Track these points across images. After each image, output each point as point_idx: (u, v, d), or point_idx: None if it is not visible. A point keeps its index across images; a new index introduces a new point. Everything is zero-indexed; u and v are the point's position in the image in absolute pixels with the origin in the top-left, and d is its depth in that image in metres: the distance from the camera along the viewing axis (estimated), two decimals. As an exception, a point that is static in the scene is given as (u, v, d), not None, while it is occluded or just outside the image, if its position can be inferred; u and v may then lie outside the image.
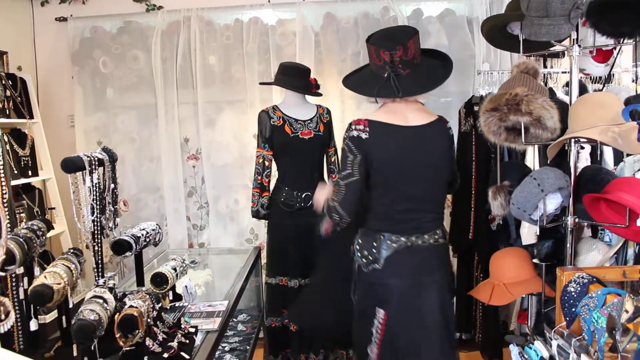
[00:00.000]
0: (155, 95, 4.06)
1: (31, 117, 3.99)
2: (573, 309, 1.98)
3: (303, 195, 3.16)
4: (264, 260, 3.58)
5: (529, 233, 3.16)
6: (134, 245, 2.08)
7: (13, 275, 1.68)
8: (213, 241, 4.08)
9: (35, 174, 3.98)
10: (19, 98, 3.93)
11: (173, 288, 2.22)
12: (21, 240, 1.64)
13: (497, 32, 2.85)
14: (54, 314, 3.37)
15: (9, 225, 1.62)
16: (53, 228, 3.98)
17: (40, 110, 4.09)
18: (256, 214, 3.25)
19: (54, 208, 4.06)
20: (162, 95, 4.04)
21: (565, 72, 3.46)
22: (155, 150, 4.14)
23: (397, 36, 2.18)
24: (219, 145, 4.07)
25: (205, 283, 2.69)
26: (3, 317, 1.27)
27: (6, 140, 3.70)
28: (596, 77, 3.36)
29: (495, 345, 3.53)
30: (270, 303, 3.29)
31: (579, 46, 2.49)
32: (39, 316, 1.96)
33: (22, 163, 3.86)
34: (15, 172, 3.76)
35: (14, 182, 3.67)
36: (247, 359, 2.56)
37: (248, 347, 2.68)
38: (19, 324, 1.71)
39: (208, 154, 4.06)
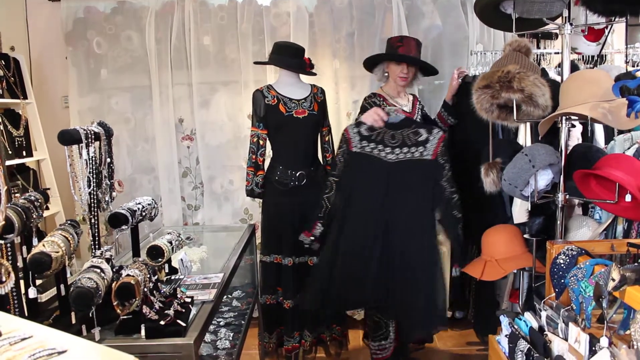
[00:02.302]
0: (150, 77, 4.04)
1: (25, 97, 3.98)
2: (562, 280, 2.02)
3: (297, 174, 3.19)
4: (258, 240, 3.60)
5: (520, 211, 3.20)
6: (130, 218, 2.10)
7: (9, 245, 1.70)
8: (208, 221, 4.09)
9: (30, 154, 3.97)
10: (12, 78, 3.91)
11: (169, 262, 2.24)
12: (19, 209, 1.66)
13: (490, 11, 2.86)
14: (49, 293, 3.39)
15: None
16: (49, 202, 4.01)
17: (33, 91, 4.07)
18: (250, 193, 3.27)
19: (48, 189, 4.03)
20: (156, 77, 4.02)
21: (557, 53, 3.48)
22: (149, 131, 4.13)
23: None
24: (214, 125, 4.07)
25: (201, 260, 2.71)
26: (4, 278, 1.29)
27: (0, 120, 3.70)
28: (588, 58, 3.39)
29: (487, 324, 3.57)
30: (265, 281, 3.32)
31: (571, 24, 2.51)
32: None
33: (17, 143, 3.86)
34: (10, 152, 3.76)
35: (8, 163, 3.68)
36: (241, 333, 2.59)
37: (243, 322, 2.71)
38: (14, 292, 1.73)
39: (202, 134, 4.06)
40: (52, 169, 4.05)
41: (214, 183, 4.11)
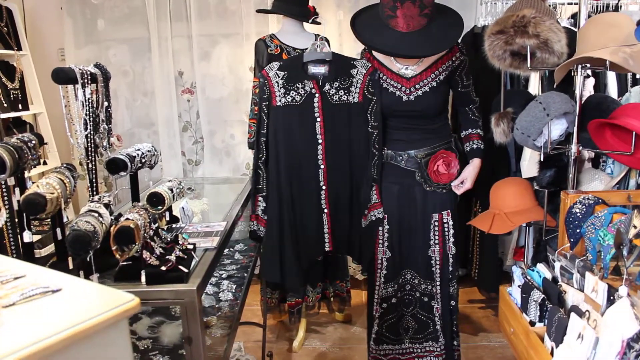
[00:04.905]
0: (148, 28, 3.91)
1: (19, 49, 3.86)
2: (578, 230, 1.95)
3: (300, 126, 3.09)
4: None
5: (529, 166, 3.13)
6: (129, 164, 2.01)
7: (4, 185, 1.62)
8: (208, 176, 4.02)
9: (26, 107, 3.87)
10: (5, 28, 3.78)
11: (170, 210, 2.16)
12: (11, 148, 1.57)
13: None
14: (48, 249, 3.33)
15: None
16: (45, 143, 3.93)
17: (28, 43, 3.95)
18: (252, 145, 3.19)
19: (46, 143, 3.97)
20: (155, 28, 3.90)
21: (571, 4, 3.36)
22: (149, 85, 4.03)
23: None
24: (214, 78, 3.97)
25: (202, 212, 2.64)
26: (-6, 214, 1.21)
27: (-7, 70, 3.60)
28: (603, 9, 3.28)
29: (493, 280, 3.53)
30: (268, 235, 3.26)
31: (591, -34, 2.39)
32: (34, 250, 1.89)
33: (12, 96, 3.76)
34: (5, 105, 3.66)
35: (3, 115, 3.58)
36: (244, 286, 2.54)
37: (245, 275, 2.65)
38: (10, 237, 1.66)
39: (203, 87, 3.96)
40: (50, 123, 3.95)
41: (214, 137, 4.02)
